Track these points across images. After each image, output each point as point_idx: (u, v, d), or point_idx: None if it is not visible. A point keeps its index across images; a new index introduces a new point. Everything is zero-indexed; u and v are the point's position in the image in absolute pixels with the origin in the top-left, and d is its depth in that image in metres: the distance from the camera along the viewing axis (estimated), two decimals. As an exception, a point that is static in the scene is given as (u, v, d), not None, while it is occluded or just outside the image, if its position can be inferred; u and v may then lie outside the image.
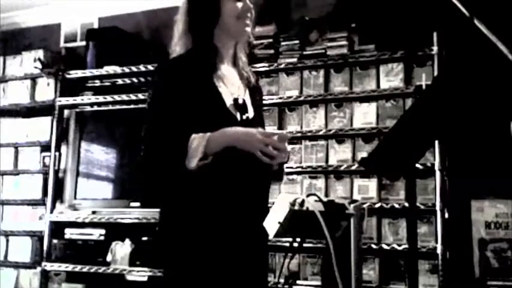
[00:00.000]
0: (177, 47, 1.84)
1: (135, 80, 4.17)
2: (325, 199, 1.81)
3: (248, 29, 1.86)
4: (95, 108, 4.26)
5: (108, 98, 4.12)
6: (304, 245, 1.86)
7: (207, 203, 1.69)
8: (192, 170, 1.63)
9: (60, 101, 4.24)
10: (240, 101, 1.82)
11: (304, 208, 1.69)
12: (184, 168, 1.63)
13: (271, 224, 1.66)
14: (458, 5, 1.57)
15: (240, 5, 1.83)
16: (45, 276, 4.05)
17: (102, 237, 3.96)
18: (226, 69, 1.86)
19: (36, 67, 4.40)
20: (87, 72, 4.21)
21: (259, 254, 1.83)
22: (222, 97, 1.77)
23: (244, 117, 1.81)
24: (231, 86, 1.83)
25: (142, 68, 4.02)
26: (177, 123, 1.69)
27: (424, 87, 2.19)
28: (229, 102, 1.79)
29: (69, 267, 3.94)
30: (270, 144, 1.66)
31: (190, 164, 1.63)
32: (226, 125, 1.70)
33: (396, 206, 3.25)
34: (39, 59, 4.39)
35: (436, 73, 3.25)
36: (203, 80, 1.76)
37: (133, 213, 3.88)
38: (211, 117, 1.73)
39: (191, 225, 1.70)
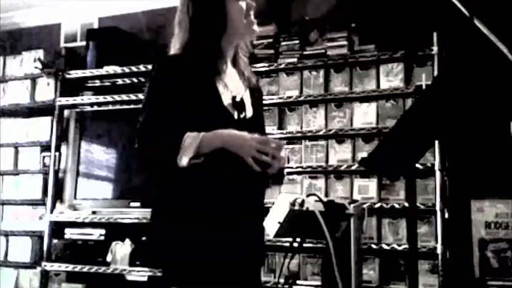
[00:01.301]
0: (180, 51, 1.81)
1: (135, 80, 4.17)
2: (325, 199, 1.81)
3: (256, 28, 1.84)
4: (95, 108, 4.27)
5: (108, 98, 4.12)
6: (304, 245, 1.87)
7: (197, 201, 1.68)
8: (182, 167, 1.62)
9: (60, 101, 4.24)
10: (238, 99, 1.80)
11: (304, 208, 1.69)
12: (175, 164, 1.62)
13: (271, 224, 1.66)
14: (458, 5, 1.57)
15: (243, 4, 1.81)
16: (45, 276, 4.05)
17: (102, 237, 3.96)
18: (226, 69, 1.84)
19: (36, 67, 4.39)
20: (87, 72, 4.21)
21: (250, 253, 1.78)
22: (220, 94, 1.76)
23: (241, 116, 1.79)
24: (230, 84, 1.81)
25: (142, 68, 4.02)
26: (171, 119, 1.67)
27: (424, 87, 2.19)
28: (227, 100, 1.77)
29: (69, 267, 3.94)
30: (264, 152, 1.63)
31: (181, 161, 1.61)
32: (223, 122, 1.69)
33: (396, 206, 3.25)
34: (39, 59, 4.39)
35: (436, 73, 3.26)
36: (202, 78, 1.75)
37: (133, 213, 3.88)
38: (207, 114, 1.72)
39: (182, 223, 1.68)
